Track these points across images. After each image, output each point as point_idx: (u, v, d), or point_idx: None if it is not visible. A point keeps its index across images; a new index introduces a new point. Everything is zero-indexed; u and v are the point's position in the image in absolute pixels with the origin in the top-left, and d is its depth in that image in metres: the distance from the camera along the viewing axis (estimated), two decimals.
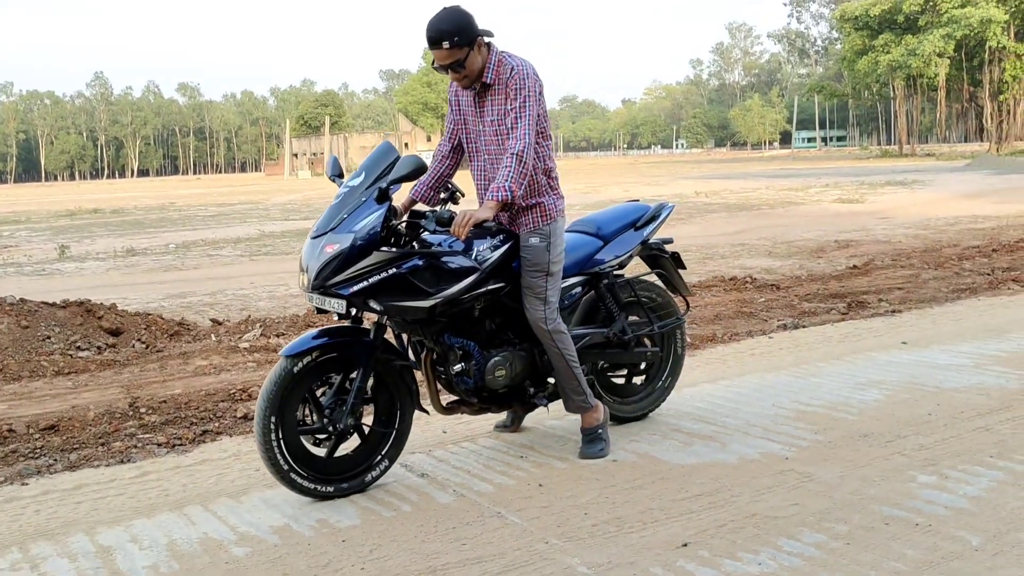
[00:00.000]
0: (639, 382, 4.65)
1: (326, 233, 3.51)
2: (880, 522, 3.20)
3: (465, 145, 4.01)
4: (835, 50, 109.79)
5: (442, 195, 3.83)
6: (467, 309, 3.83)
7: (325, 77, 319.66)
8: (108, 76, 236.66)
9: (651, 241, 4.61)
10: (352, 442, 3.79)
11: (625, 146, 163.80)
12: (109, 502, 3.80)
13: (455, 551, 3.15)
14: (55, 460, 4.36)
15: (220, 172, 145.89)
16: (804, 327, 6.66)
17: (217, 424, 4.80)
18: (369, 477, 3.76)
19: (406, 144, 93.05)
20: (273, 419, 3.46)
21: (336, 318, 3.63)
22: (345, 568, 3.06)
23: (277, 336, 6.84)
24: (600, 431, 4.09)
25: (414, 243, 3.66)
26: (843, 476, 3.65)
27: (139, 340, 6.58)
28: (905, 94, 69.60)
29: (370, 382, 3.73)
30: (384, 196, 3.53)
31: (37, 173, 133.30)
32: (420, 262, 3.59)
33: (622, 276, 4.50)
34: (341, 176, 3.93)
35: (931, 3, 60.09)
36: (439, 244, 3.71)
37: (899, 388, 4.87)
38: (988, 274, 8.75)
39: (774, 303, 7.64)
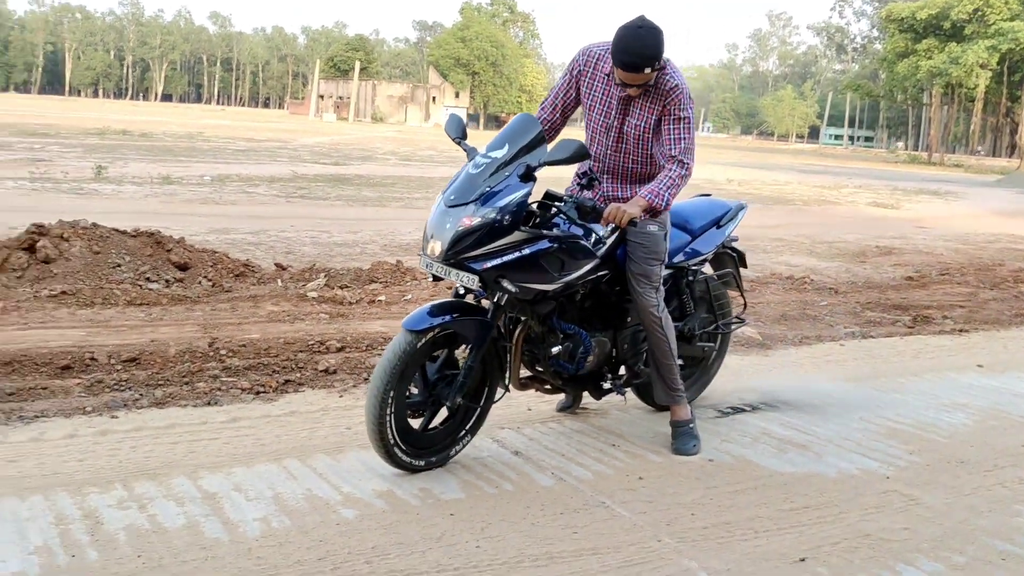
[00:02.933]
0: (683, 374, 4.65)
1: (465, 204, 3.39)
2: (996, 556, 3.17)
3: (587, 128, 3.92)
4: (873, 49, 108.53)
5: (581, 181, 3.73)
6: (572, 294, 3.78)
7: (357, 21, 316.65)
8: None
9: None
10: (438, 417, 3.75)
11: None
12: (205, 446, 3.78)
13: (568, 539, 3.13)
14: (141, 395, 4.33)
15: (244, 105, 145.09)
16: (872, 337, 6.60)
17: (299, 375, 4.77)
18: (453, 451, 3.72)
19: (433, 98, 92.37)
20: (391, 394, 3.39)
21: (461, 291, 3.56)
22: (459, 543, 3.04)
23: (342, 288, 6.80)
24: (692, 426, 4.07)
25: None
26: (949, 503, 3.61)
27: (206, 277, 6.53)
28: (941, 102, 68.86)
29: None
30: (529, 175, 3.44)
31: (61, 87, 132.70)
32: (549, 245, 3.52)
33: (702, 272, 4.47)
34: (464, 137, 3.79)
35: (979, 13, 59.20)
36: (557, 226, 3.64)
37: (985, 414, 4.82)
38: None
39: (836, 308, 7.57)
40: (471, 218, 3.35)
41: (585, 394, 4.27)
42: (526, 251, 3.44)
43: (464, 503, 3.37)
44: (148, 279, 6.23)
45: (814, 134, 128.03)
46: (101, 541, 2.90)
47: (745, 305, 4.85)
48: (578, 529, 3.21)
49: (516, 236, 3.41)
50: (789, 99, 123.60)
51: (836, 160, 61.36)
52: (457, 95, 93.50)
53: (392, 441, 3.46)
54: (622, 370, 4.18)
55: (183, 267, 6.56)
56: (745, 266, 4.82)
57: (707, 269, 4.68)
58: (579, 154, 3.40)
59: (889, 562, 3.09)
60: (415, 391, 3.56)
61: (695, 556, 3.06)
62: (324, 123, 71.49)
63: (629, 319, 4.02)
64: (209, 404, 4.30)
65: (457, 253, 3.36)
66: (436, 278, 3.50)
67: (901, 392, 5.15)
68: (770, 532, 3.27)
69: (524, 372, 3.99)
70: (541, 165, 3.45)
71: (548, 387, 4.06)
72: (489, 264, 3.38)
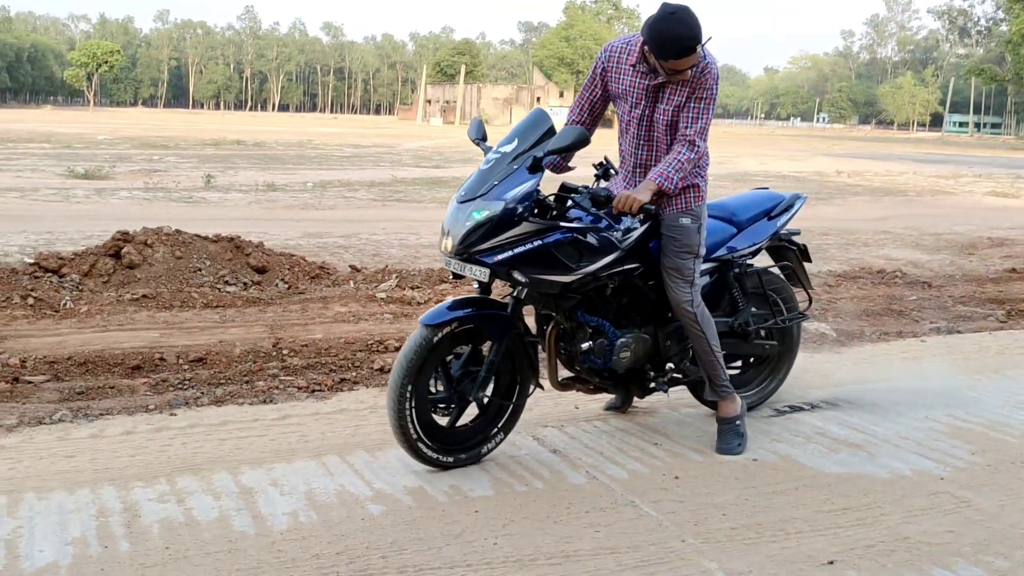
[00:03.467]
0: (750, 374, 4.53)
1: (475, 199, 3.43)
2: None
3: (619, 123, 3.87)
4: (999, 31, 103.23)
5: (596, 172, 3.73)
6: (600, 287, 3.75)
7: (464, 25, 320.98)
8: (258, 10, 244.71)
9: (781, 232, 4.44)
10: (468, 414, 3.76)
11: (763, 116, 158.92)
12: (252, 442, 3.91)
13: (589, 537, 3.10)
14: (202, 393, 4.51)
15: (356, 112, 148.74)
16: (959, 332, 6.30)
17: (355, 373, 4.88)
18: (485, 449, 3.73)
19: (538, 98, 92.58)
20: (410, 388, 3.44)
21: (475, 286, 3.59)
22: (478, 540, 3.06)
23: (412, 288, 6.91)
24: (738, 423, 3.97)
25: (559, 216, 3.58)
26: (1003, 506, 3.42)
27: (282, 280, 6.75)
28: None
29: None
30: (537, 166, 3.44)
31: (185, 100, 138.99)
32: (565, 236, 3.51)
33: (751, 266, 4.35)
34: (484, 139, 3.82)
35: None
36: (579, 219, 3.63)
37: None
38: None
39: (926, 303, 7.25)
40: (480, 212, 3.38)
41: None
42: (538, 243, 3.44)
43: (491, 500, 3.38)
44: (226, 282, 6.47)
45: (937, 122, 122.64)
46: (135, 533, 3.03)
47: (810, 300, 4.67)
48: (601, 528, 3.18)
49: (525, 227, 3.42)
50: (909, 86, 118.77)
51: (959, 148, 58.64)
52: (561, 94, 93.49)
53: (415, 436, 3.51)
54: (669, 367, 4.10)
55: (261, 270, 6.79)
56: (809, 260, 4.64)
57: (769, 262, 4.56)
58: (580, 139, 3.40)
59: (924, 566, 2.95)
60: (440, 388, 3.59)
61: (716, 557, 2.99)
62: (431, 127, 72.61)
63: (670, 315, 3.95)
64: (264, 402, 4.44)
65: (468, 247, 3.40)
66: (456, 276, 3.54)
67: (976, 389, 4.90)
68: (802, 534, 3.17)
69: (566, 373, 3.98)
70: (546, 155, 3.45)
71: (591, 387, 4.02)
72: (500, 257, 3.40)
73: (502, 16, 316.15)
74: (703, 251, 3.85)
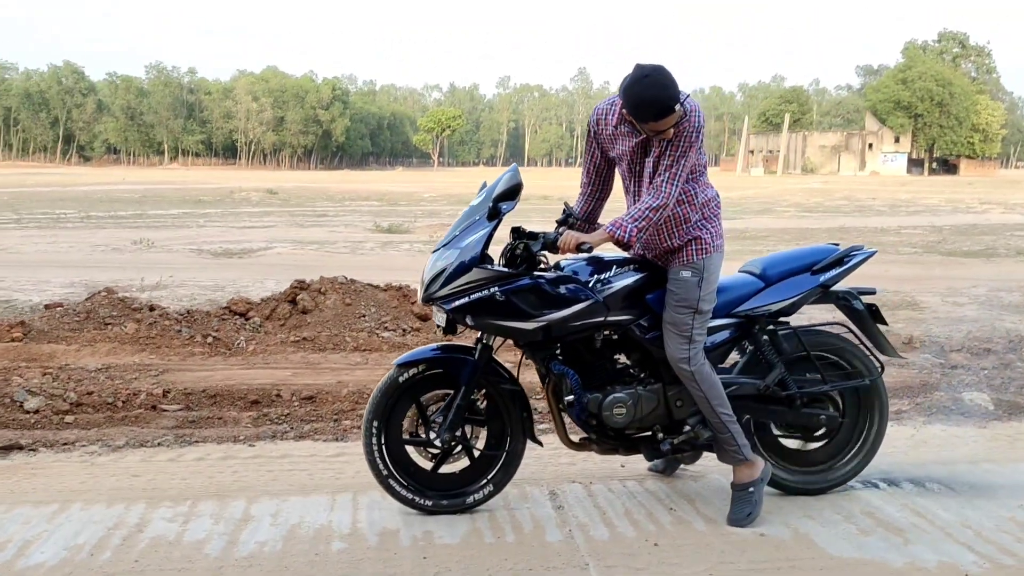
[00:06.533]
0: (816, 450, 4.04)
1: (439, 249, 3.60)
2: None
3: (623, 182, 3.77)
4: None
5: (558, 218, 3.73)
6: (587, 339, 3.65)
7: (796, 72, 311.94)
8: (591, 71, 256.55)
9: (837, 289, 3.97)
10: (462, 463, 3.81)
11: None
12: (291, 476, 4.22)
13: None
14: (291, 428, 4.93)
15: None
16: None
17: None
18: (471, 499, 3.75)
19: (870, 144, 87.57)
20: (375, 423, 3.63)
21: (441, 333, 3.68)
22: None
23: None
24: (751, 490, 3.65)
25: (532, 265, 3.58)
26: None
27: None
28: None
29: (481, 403, 3.75)
30: (494, 214, 3.49)
31: (521, 158, 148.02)
32: (525, 283, 3.51)
33: (785, 324, 3.92)
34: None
35: None
36: (562, 269, 3.61)
37: None
38: None
39: None
40: (440, 260, 3.54)
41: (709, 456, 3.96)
42: (495, 289, 3.49)
43: (447, 549, 3.40)
44: (386, 328, 6.96)
45: None
46: (124, 546, 3.42)
47: (882, 367, 4.07)
48: None
49: (478, 274, 3.49)
50: None
51: None
52: (897, 140, 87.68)
53: (385, 473, 3.66)
54: (687, 430, 3.84)
55: (424, 318, 7.21)
56: (882, 321, 4.08)
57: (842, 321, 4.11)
58: (515, 182, 3.53)
59: None
60: (420, 430, 3.71)
61: None
62: (750, 177, 71.34)
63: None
64: (336, 439, 4.76)
65: (431, 294, 3.54)
66: (438, 324, 3.67)
67: None
68: None
69: (582, 434, 3.88)
70: (497, 202, 3.50)
71: (601, 447, 3.87)
72: (457, 303, 3.50)
73: (839, 60, 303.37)
74: (706, 307, 3.62)
